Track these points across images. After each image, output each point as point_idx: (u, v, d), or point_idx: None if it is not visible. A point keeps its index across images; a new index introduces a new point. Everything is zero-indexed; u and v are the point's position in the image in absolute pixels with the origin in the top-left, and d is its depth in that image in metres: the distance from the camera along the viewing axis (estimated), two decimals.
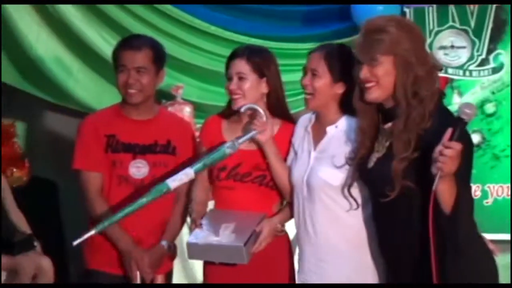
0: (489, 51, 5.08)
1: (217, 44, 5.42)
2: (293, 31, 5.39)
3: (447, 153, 2.51)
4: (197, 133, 4.77)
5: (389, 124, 2.82)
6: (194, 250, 3.23)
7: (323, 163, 3.14)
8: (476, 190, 5.01)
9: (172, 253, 3.52)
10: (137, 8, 5.40)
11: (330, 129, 3.18)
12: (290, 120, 3.45)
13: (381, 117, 2.87)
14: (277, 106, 3.42)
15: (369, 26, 2.82)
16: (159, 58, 3.54)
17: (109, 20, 5.42)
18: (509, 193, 4.98)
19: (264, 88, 3.38)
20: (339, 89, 3.13)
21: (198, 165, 3.21)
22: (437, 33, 5.16)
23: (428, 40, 5.17)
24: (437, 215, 2.60)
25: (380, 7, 5.01)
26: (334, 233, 3.14)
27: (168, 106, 5.30)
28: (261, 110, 3.31)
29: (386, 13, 5.00)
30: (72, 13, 5.40)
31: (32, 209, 5.17)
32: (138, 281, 3.37)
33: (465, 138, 2.60)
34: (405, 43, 2.74)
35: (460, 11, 5.08)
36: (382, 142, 2.84)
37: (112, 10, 5.40)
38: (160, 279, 3.48)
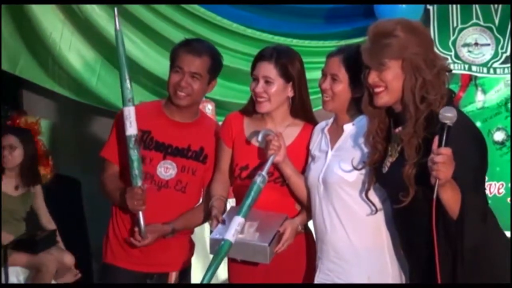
0: None
1: (239, 41, 5.42)
2: (316, 28, 5.39)
3: (438, 159, 2.52)
4: None
5: (400, 128, 2.81)
6: (217, 246, 3.23)
7: (340, 160, 3.15)
8: (500, 187, 4.97)
9: (182, 246, 3.52)
10: (162, 7, 5.42)
11: (347, 127, 3.20)
12: (312, 121, 3.44)
13: (392, 121, 2.86)
14: (301, 109, 3.41)
15: (377, 30, 2.80)
16: (216, 68, 3.54)
17: (133, 18, 5.44)
18: None
19: (289, 92, 3.37)
20: (358, 92, 3.10)
21: (244, 210, 3.19)
22: (460, 30, 5.14)
23: (452, 38, 5.15)
24: (446, 222, 2.61)
25: (403, 5, 5.00)
26: (352, 231, 3.13)
27: None
28: (274, 133, 3.28)
29: (409, 11, 5.04)
30: (96, 12, 5.43)
31: (56, 206, 5.22)
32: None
33: (459, 141, 2.56)
34: (413, 47, 2.73)
35: (484, 8, 5.05)
36: (394, 146, 2.83)
37: (135, 8, 5.42)
38: (174, 276, 3.48)
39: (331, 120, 3.30)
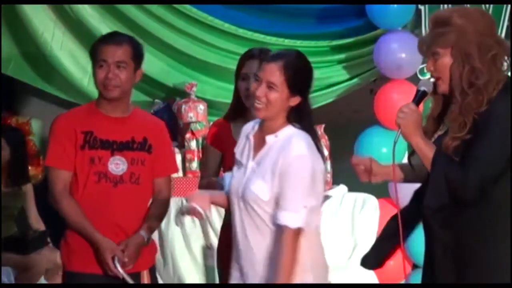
0: None
1: (231, 41, 5.42)
2: (307, 28, 5.39)
3: (401, 109, 2.80)
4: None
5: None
6: None
7: (257, 175, 2.98)
8: None
9: (148, 245, 3.53)
10: (154, 7, 5.42)
11: (269, 139, 2.98)
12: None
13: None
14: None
15: (434, 18, 2.85)
16: (138, 55, 3.56)
17: (125, 18, 5.44)
18: None
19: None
20: (294, 102, 2.96)
21: None
22: None
23: None
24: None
25: (395, 5, 5.00)
26: (265, 246, 2.98)
27: (182, 103, 5.31)
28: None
29: (400, 11, 5.04)
30: (88, 12, 5.43)
31: (46, 205, 5.21)
32: (124, 276, 3.37)
33: (487, 124, 2.70)
34: (467, 35, 2.75)
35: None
36: (445, 123, 2.90)
37: (127, 8, 5.42)
38: (145, 275, 3.49)
39: (257, 124, 3.08)
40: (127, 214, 3.45)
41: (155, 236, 4.93)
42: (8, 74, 5.54)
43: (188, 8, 5.41)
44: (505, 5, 5.03)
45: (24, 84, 5.63)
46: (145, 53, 5.43)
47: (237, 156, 3.11)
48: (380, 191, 4.69)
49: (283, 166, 2.93)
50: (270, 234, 2.98)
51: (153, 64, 5.52)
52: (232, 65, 5.42)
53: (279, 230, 2.93)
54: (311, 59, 4.67)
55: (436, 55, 2.80)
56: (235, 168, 3.10)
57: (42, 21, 5.45)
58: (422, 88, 2.86)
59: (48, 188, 3.50)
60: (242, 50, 5.42)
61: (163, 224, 4.97)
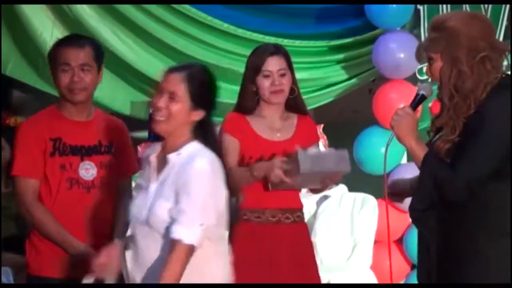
0: None
1: (230, 41, 5.42)
2: (306, 28, 5.39)
3: (397, 112, 2.88)
4: None
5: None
6: (305, 160, 3.34)
7: (160, 197, 2.83)
8: None
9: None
10: (153, 7, 5.42)
11: (171, 157, 2.84)
12: (305, 113, 3.65)
13: None
14: (296, 101, 3.61)
15: (431, 24, 2.90)
16: (100, 56, 3.55)
17: (124, 19, 5.44)
18: None
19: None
20: (197, 116, 2.86)
21: None
22: None
23: None
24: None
25: (393, 5, 5.01)
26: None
27: None
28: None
29: (399, 11, 5.05)
30: (86, 12, 5.42)
31: None
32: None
33: (483, 123, 2.72)
34: (457, 39, 2.78)
35: (474, 8, 5.06)
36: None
37: (126, 8, 5.42)
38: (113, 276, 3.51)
39: (160, 144, 2.96)
40: (100, 219, 3.45)
41: None
42: (7, 75, 5.54)
43: (187, 8, 5.41)
44: (503, 5, 5.03)
45: (23, 84, 5.62)
46: (147, 54, 5.52)
47: (139, 180, 2.97)
48: (379, 191, 4.69)
49: (182, 182, 2.79)
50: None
51: (152, 64, 5.51)
52: (231, 65, 5.46)
53: (171, 243, 2.76)
54: (310, 59, 4.72)
55: (431, 60, 2.84)
56: (134, 194, 2.99)
57: (41, 21, 5.44)
58: (421, 92, 2.91)
59: (16, 197, 3.46)
60: (241, 50, 5.46)
61: None
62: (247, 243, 3.47)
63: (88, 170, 3.45)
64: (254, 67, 3.59)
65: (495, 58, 2.81)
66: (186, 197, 2.78)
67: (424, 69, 5.10)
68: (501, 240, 2.78)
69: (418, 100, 2.92)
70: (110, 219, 3.48)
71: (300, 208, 3.60)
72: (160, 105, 2.85)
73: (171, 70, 2.91)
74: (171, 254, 2.76)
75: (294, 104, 3.60)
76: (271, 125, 3.57)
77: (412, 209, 2.92)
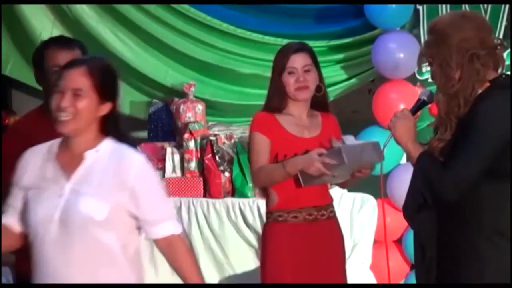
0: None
1: (230, 41, 5.42)
2: (305, 28, 5.38)
3: (395, 114, 2.92)
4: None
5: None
6: (348, 152, 3.42)
7: (84, 195, 2.69)
8: None
9: None
10: (152, 7, 5.41)
11: (90, 154, 2.72)
12: (328, 111, 3.72)
13: None
14: (323, 98, 3.68)
15: (428, 27, 2.95)
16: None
17: (124, 18, 5.44)
18: None
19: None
20: (105, 109, 2.73)
21: None
22: None
23: None
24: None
25: (393, 5, 5.00)
26: (102, 270, 2.71)
27: (180, 103, 5.31)
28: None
29: (399, 11, 5.04)
30: (86, 12, 5.42)
31: None
32: None
33: (477, 121, 2.75)
34: (447, 41, 2.81)
35: (473, 8, 5.05)
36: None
37: (125, 8, 5.42)
38: None
39: (56, 143, 2.79)
40: None
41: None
42: (7, 74, 5.53)
43: (186, 8, 5.40)
44: (503, 5, 5.03)
45: (23, 84, 5.62)
46: (143, 53, 5.52)
47: (28, 183, 2.77)
48: (379, 191, 4.69)
49: (133, 180, 2.69)
50: (110, 262, 2.71)
51: (151, 64, 5.52)
52: (231, 65, 5.46)
53: (168, 241, 2.74)
54: None
55: (430, 64, 2.89)
56: (27, 193, 2.77)
57: (41, 21, 5.44)
58: (422, 98, 2.96)
59: None
60: (240, 50, 5.46)
61: None
62: (286, 243, 3.55)
63: None
64: (279, 66, 3.63)
65: (484, 55, 2.81)
66: (152, 193, 2.74)
67: (424, 69, 5.17)
68: (498, 240, 2.79)
69: (419, 105, 2.98)
70: None
71: (331, 203, 3.66)
72: (64, 105, 2.69)
73: (68, 67, 2.75)
74: (175, 251, 2.77)
75: (320, 101, 3.66)
76: (299, 122, 3.61)
77: (405, 209, 2.93)
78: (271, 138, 3.57)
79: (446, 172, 2.76)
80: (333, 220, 3.64)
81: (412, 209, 2.89)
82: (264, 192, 3.66)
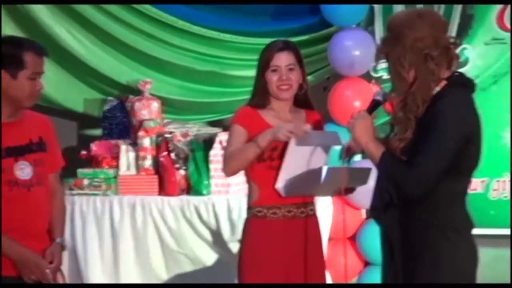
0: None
1: (185, 38, 5.40)
2: (262, 25, 5.38)
3: (353, 115, 2.96)
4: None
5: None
6: (313, 134, 3.45)
7: None
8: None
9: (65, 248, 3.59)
10: (109, 6, 5.37)
11: None
12: (313, 108, 3.72)
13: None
14: (305, 97, 3.68)
15: (387, 23, 2.97)
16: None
17: (79, 17, 5.40)
18: None
19: (300, 79, 3.61)
20: None
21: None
22: None
23: None
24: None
25: (349, 4, 5.01)
26: None
27: (135, 101, 5.27)
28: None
29: (354, 10, 5.05)
30: (41, 11, 5.37)
31: None
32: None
33: (436, 119, 2.77)
34: (402, 40, 2.84)
35: (427, 7, 5.09)
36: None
37: (82, 7, 5.37)
38: (60, 276, 3.49)
39: None
40: (42, 217, 3.47)
41: (106, 232, 4.94)
42: None
43: (142, 6, 5.37)
44: (455, 5, 5.07)
45: None
46: (98, 50, 5.47)
47: None
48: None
49: None
50: None
51: (106, 61, 5.48)
52: (186, 62, 5.43)
53: None
54: None
55: (387, 59, 2.91)
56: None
57: None
58: (376, 98, 2.99)
59: None
60: (196, 47, 5.44)
61: (116, 223, 4.94)
62: (264, 239, 3.56)
63: (24, 170, 3.44)
64: (263, 63, 3.63)
65: (437, 55, 2.83)
66: None
67: (379, 67, 5.19)
68: (450, 236, 2.82)
69: (374, 106, 3.00)
70: (47, 216, 3.51)
71: (312, 201, 3.66)
72: None
73: None
74: None
75: (303, 99, 3.67)
76: (282, 117, 3.62)
77: (372, 208, 2.94)
78: (251, 131, 3.57)
79: (410, 170, 2.77)
80: (312, 218, 3.64)
81: (380, 208, 2.90)
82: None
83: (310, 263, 3.60)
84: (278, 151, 3.53)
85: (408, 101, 2.83)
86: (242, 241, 3.64)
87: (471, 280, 2.87)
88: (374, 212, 2.95)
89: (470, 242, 2.89)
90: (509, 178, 5.05)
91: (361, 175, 3.41)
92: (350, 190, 3.48)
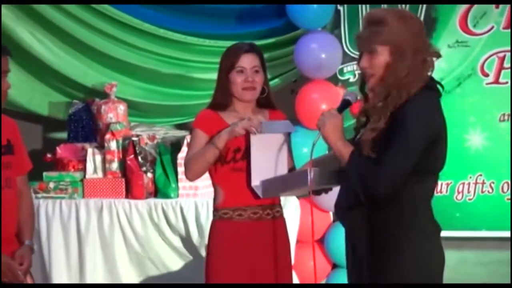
0: None
1: (151, 41, 5.38)
2: (228, 28, 5.38)
3: (323, 113, 2.96)
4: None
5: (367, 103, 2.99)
6: (266, 124, 3.46)
7: None
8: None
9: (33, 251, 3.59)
10: (72, 7, 5.34)
11: None
12: (275, 108, 3.72)
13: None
14: (267, 99, 3.68)
15: (370, 18, 2.95)
16: None
17: (41, 18, 5.35)
18: None
19: (263, 83, 3.64)
20: None
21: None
22: None
23: None
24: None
25: (314, 5, 5.04)
26: None
27: (102, 104, 5.25)
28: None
29: (320, 11, 5.08)
30: (2, 12, 5.32)
31: None
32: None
33: (404, 119, 2.81)
34: (402, 34, 2.87)
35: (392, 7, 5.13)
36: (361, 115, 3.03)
37: (43, 8, 5.33)
38: (30, 279, 3.50)
39: None
40: (10, 220, 3.45)
41: (72, 236, 4.91)
42: None
43: (106, 8, 5.35)
44: (420, 5, 5.12)
45: None
46: (62, 53, 5.43)
47: None
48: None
49: None
50: None
51: (71, 64, 5.44)
52: (152, 65, 5.41)
53: None
54: None
55: (373, 52, 2.90)
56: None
57: None
58: (347, 98, 3.00)
59: None
60: (162, 50, 5.43)
61: (82, 226, 4.91)
62: (230, 241, 3.55)
63: None
64: (228, 64, 3.63)
65: (430, 61, 2.92)
66: None
67: (345, 70, 5.22)
68: (416, 236, 2.85)
69: (343, 105, 3.01)
70: (15, 219, 3.50)
71: (279, 203, 3.66)
72: None
73: None
74: None
75: (265, 102, 3.68)
76: (244, 118, 3.59)
77: (338, 207, 2.96)
78: (212, 134, 3.57)
79: (379, 170, 2.79)
80: (279, 220, 3.64)
81: (345, 207, 2.92)
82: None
83: (277, 265, 3.60)
84: (240, 152, 3.54)
85: (393, 93, 2.85)
86: (208, 244, 3.64)
87: (438, 281, 2.90)
88: (339, 211, 2.97)
89: (436, 242, 2.91)
90: (474, 181, 5.11)
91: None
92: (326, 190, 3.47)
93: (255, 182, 3.49)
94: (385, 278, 2.84)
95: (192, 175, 3.59)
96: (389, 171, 2.78)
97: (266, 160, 3.50)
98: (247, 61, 3.61)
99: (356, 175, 2.84)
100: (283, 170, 3.53)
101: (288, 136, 3.59)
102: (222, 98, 3.63)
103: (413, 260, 2.84)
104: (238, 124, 3.48)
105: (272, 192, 3.48)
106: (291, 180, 3.35)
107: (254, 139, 3.47)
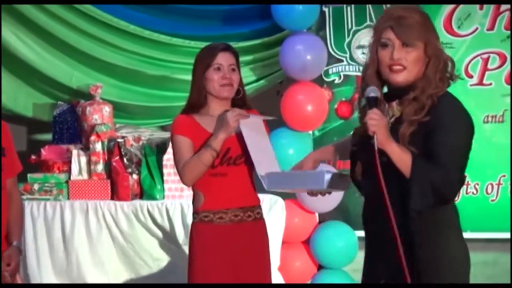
0: None
1: (137, 43, 5.38)
2: (213, 30, 5.38)
3: (369, 116, 2.79)
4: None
5: (396, 101, 2.92)
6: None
7: None
8: None
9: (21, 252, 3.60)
10: (56, 8, 5.32)
11: None
12: (250, 107, 3.72)
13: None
14: (242, 100, 3.69)
15: (398, 13, 2.90)
16: None
17: (25, 19, 5.34)
18: None
19: (239, 80, 3.66)
20: None
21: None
22: (355, 32, 5.23)
23: (347, 39, 5.22)
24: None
25: (299, 6, 5.04)
26: None
27: (87, 105, 5.24)
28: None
29: (305, 12, 5.09)
30: None
31: None
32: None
33: (447, 115, 2.81)
34: (432, 31, 2.90)
35: (377, 11, 5.14)
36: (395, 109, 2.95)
37: (27, 9, 5.31)
38: (18, 279, 3.51)
39: None
40: (0, 222, 3.45)
41: (57, 237, 4.90)
42: None
43: (92, 10, 5.34)
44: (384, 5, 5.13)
45: None
46: (47, 54, 5.42)
47: None
48: (288, 192, 4.73)
49: None
50: None
51: (56, 66, 5.43)
52: (138, 67, 5.41)
53: None
54: None
55: (412, 46, 2.87)
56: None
57: None
58: (372, 95, 2.88)
59: None
60: (148, 52, 5.42)
61: (67, 228, 4.90)
62: (211, 244, 3.56)
63: None
64: (204, 62, 3.63)
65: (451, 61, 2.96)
66: None
67: (330, 71, 5.23)
68: (451, 232, 2.89)
69: (375, 103, 2.87)
70: (4, 220, 3.50)
71: (259, 205, 3.67)
72: None
73: None
74: None
75: (241, 103, 3.68)
76: (216, 117, 3.62)
77: (412, 210, 2.82)
78: (192, 138, 3.58)
79: (450, 170, 2.76)
80: (260, 222, 3.65)
81: (420, 210, 2.82)
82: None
83: (258, 265, 3.61)
84: (218, 158, 3.53)
85: (439, 81, 2.85)
86: (189, 247, 3.64)
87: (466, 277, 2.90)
88: (414, 213, 2.82)
89: (462, 237, 2.95)
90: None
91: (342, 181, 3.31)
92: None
93: (260, 171, 3.44)
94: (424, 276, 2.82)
95: (189, 180, 3.58)
96: (456, 173, 2.78)
97: (260, 146, 3.53)
98: (224, 59, 3.62)
99: (427, 181, 2.76)
100: (272, 154, 3.56)
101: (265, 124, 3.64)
102: (198, 98, 3.63)
103: (450, 256, 2.86)
104: (229, 118, 3.47)
105: (277, 187, 3.39)
106: (304, 179, 3.24)
107: (245, 130, 3.49)
